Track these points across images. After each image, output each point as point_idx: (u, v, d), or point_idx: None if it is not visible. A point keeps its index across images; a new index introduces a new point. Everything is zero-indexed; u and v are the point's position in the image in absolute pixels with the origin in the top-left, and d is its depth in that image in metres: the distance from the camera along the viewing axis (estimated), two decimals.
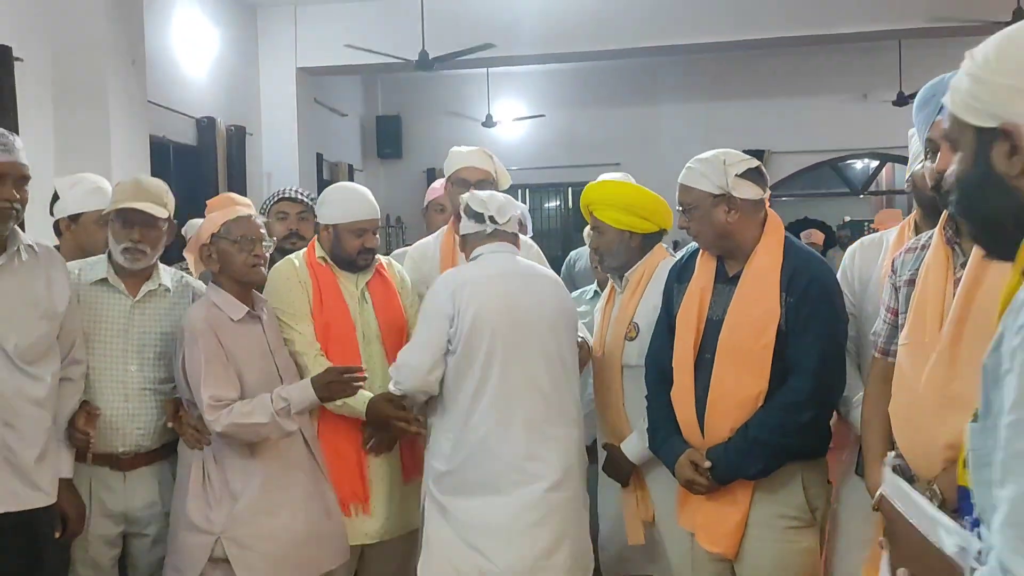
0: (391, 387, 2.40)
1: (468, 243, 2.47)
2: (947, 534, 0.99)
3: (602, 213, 2.50)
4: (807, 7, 6.88)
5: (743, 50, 8.21)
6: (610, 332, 2.57)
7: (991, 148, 0.98)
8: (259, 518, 2.29)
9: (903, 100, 8.90)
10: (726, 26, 7.03)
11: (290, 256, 2.67)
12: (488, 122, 9.65)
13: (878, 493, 1.34)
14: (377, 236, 2.65)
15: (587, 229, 3.18)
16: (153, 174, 5.29)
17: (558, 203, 11.24)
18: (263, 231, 2.40)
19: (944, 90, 1.60)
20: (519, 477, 2.30)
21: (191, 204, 5.95)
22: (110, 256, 2.40)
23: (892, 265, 1.86)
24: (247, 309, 2.35)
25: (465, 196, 2.50)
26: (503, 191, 2.85)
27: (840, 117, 9.69)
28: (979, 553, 0.92)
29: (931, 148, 1.68)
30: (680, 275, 2.30)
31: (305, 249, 2.68)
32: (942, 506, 1.56)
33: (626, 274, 2.53)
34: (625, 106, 10.27)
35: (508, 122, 10.10)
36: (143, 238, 2.33)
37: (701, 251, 2.25)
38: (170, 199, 2.43)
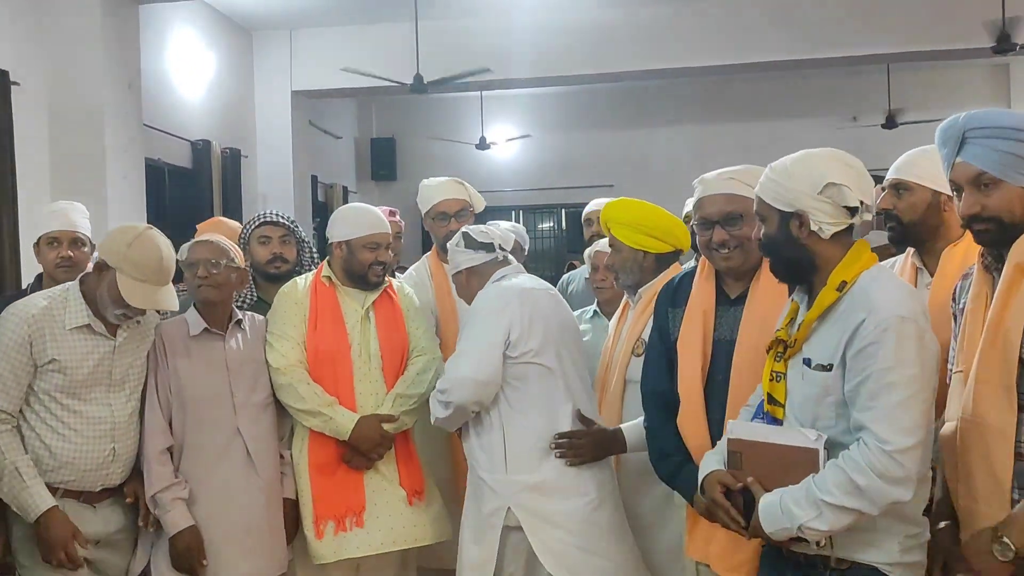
0: (439, 400, 2.35)
1: (478, 273, 2.50)
2: (803, 435, 1.65)
3: (618, 231, 2.54)
4: (797, 32, 6.97)
5: (734, 74, 8.30)
6: (619, 347, 2.59)
7: None
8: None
9: (892, 123, 9.00)
10: (718, 50, 7.11)
11: (298, 277, 2.73)
12: (482, 144, 9.70)
13: (725, 439, 1.81)
14: (390, 252, 2.70)
15: (588, 250, 3.21)
16: (148, 197, 5.32)
17: (551, 224, 11.29)
18: (214, 257, 2.45)
19: (958, 132, 1.62)
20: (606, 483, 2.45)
21: (186, 227, 5.96)
22: (84, 293, 2.27)
23: (953, 293, 1.81)
24: (204, 326, 2.46)
25: (464, 230, 2.55)
26: (478, 213, 2.95)
27: (830, 139, 9.64)
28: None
29: (955, 187, 1.69)
30: (674, 300, 2.23)
31: (315, 270, 2.74)
32: (1017, 557, 1.48)
33: (640, 290, 2.55)
34: (618, 128, 10.36)
35: (502, 144, 10.16)
36: (140, 314, 2.33)
37: (698, 273, 2.20)
38: None
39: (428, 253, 3.09)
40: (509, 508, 2.35)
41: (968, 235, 2.10)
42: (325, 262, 2.72)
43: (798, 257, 1.74)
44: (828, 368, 1.66)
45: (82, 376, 2.23)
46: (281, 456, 2.56)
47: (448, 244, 2.62)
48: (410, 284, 2.96)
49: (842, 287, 1.68)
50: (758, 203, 1.79)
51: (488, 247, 2.51)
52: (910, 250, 2.22)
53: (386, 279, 2.73)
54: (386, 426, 2.54)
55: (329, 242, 2.71)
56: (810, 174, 1.73)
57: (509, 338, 2.34)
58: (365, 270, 2.63)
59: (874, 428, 1.58)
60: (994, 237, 1.62)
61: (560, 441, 2.36)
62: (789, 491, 1.64)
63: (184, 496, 2.35)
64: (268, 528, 2.46)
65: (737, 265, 2.10)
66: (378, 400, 2.59)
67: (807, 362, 1.70)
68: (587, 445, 2.38)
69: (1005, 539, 1.49)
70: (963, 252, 2.05)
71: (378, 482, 2.57)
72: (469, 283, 2.52)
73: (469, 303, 2.54)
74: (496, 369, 2.33)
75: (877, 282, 1.70)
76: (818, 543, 1.63)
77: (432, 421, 2.46)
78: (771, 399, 1.76)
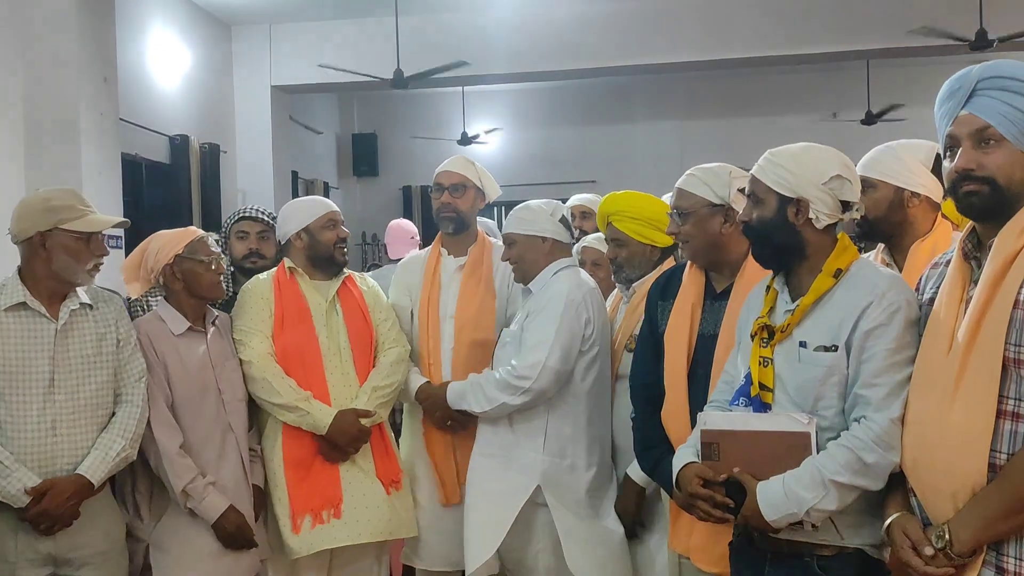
0: (515, 386, 2.39)
1: (558, 250, 2.58)
2: (793, 419, 1.66)
3: (624, 225, 2.50)
4: (777, 28, 7.01)
5: (716, 69, 8.33)
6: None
7: None
8: (181, 525, 2.38)
9: (871, 119, 9.07)
10: (699, 46, 7.13)
11: (260, 274, 2.71)
12: (463, 140, 9.68)
13: (697, 431, 1.79)
14: (348, 231, 2.74)
15: (576, 245, 3.18)
16: (125, 192, 5.26)
17: None
18: (219, 250, 2.53)
19: (970, 82, 1.47)
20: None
21: (164, 222, 5.90)
22: (24, 279, 2.20)
23: (918, 283, 1.72)
24: (188, 324, 2.44)
25: (570, 203, 2.66)
26: (492, 202, 2.93)
27: (810, 135, 9.52)
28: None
29: (951, 144, 1.52)
30: (664, 293, 2.27)
31: (276, 268, 2.72)
32: (947, 548, 1.42)
33: (634, 284, 2.54)
34: (600, 124, 10.37)
35: (483, 140, 10.14)
36: (104, 252, 2.25)
37: (688, 267, 2.23)
38: None
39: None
40: (539, 486, 2.44)
41: (937, 230, 2.10)
42: (284, 261, 2.70)
43: (789, 243, 1.75)
44: (832, 349, 1.66)
45: (13, 355, 2.13)
46: (251, 448, 2.56)
47: (544, 208, 2.63)
48: (406, 263, 2.98)
49: (837, 274, 1.71)
50: (755, 185, 1.79)
51: (569, 229, 2.64)
52: (880, 245, 2.24)
53: (346, 269, 2.74)
54: (363, 420, 2.53)
55: (284, 240, 2.71)
56: (816, 165, 1.76)
57: (585, 332, 2.43)
58: (331, 249, 2.65)
59: (880, 402, 1.60)
60: (985, 202, 1.46)
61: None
62: (791, 476, 1.63)
63: (213, 481, 2.36)
64: (254, 520, 2.48)
65: (691, 258, 2.19)
66: (351, 393, 2.58)
67: (803, 345, 1.70)
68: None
69: (946, 527, 1.43)
70: (931, 247, 2.05)
71: (354, 474, 2.55)
72: (551, 254, 2.56)
73: (527, 273, 2.58)
74: (574, 360, 2.43)
75: (873, 270, 1.74)
76: (815, 525, 1.64)
77: (481, 411, 2.47)
78: (761, 385, 1.74)
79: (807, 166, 1.76)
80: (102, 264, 2.26)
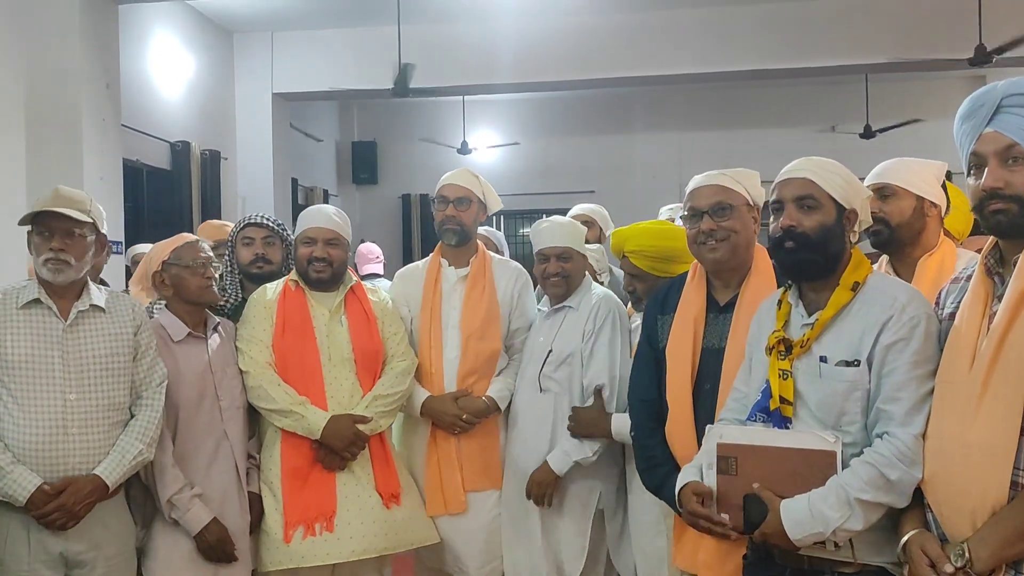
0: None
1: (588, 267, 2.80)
2: (819, 437, 1.63)
3: (640, 262, 2.50)
4: (777, 41, 7.04)
5: (715, 82, 8.37)
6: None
7: None
8: (170, 532, 2.38)
9: (870, 133, 9.11)
10: (699, 58, 7.16)
11: (268, 284, 2.73)
12: (463, 149, 9.70)
13: (705, 448, 1.77)
14: (337, 249, 2.67)
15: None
16: (126, 198, 5.28)
17: None
18: (210, 254, 2.52)
19: (994, 99, 1.49)
20: None
21: (165, 228, 5.92)
22: (38, 276, 2.26)
23: (937, 298, 1.71)
24: (188, 331, 2.45)
25: (571, 214, 2.76)
26: (492, 214, 2.99)
27: (809, 148, 9.59)
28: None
29: (976, 163, 1.52)
30: (663, 306, 2.22)
31: (286, 277, 2.75)
32: (967, 567, 1.41)
33: None
34: (599, 135, 10.40)
35: (483, 149, 10.16)
36: (64, 247, 2.20)
37: (688, 279, 2.19)
38: (96, 209, 2.35)
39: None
40: (601, 492, 2.60)
41: (943, 245, 2.11)
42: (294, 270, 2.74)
43: (839, 253, 1.73)
44: (855, 364, 1.64)
45: (25, 350, 2.16)
46: (250, 456, 2.56)
47: (584, 229, 2.85)
48: (405, 273, 2.97)
49: (855, 287, 1.70)
50: (814, 189, 1.75)
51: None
52: (884, 258, 2.23)
53: (351, 278, 2.74)
54: (360, 427, 2.53)
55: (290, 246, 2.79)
56: (856, 182, 1.78)
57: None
58: (304, 266, 2.66)
59: (903, 417, 1.59)
60: (1013, 220, 1.46)
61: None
62: (816, 494, 1.60)
63: (199, 493, 2.37)
64: (246, 530, 2.48)
65: (723, 258, 2.08)
66: (354, 403, 2.58)
67: (824, 359, 1.67)
68: (579, 419, 2.57)
69: (966, 545, 1.42)
70: (938, 262, 2.06)
71: (352, 486, 2.54)
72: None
73: (571, 288, 2.71)
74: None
75: (891, 283, 1.76)
76: (837, 544, 1.61)
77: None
78: (781, 399, 1.71)
79: (853, 180, 1.77)
80: (56, 259, 2.20)
